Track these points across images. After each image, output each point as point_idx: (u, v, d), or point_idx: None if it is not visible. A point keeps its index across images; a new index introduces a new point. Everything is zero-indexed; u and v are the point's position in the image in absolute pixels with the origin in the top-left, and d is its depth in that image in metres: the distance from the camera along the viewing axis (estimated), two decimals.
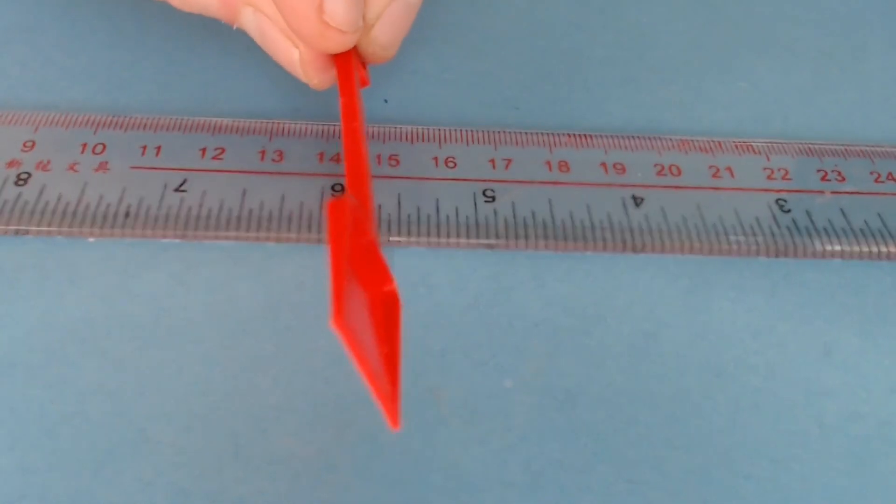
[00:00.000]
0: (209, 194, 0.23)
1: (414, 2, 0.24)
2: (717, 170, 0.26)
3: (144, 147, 0.25)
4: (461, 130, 0.26)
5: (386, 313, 0.18)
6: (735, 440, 0.20)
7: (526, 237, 0.23)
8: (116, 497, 0.18)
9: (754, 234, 0.24)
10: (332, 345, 0.21)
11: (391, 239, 0.23)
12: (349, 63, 0.24)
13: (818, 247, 0.24)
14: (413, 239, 0.23)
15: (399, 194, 0.24)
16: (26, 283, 0.22)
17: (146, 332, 0.21)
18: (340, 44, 0.23)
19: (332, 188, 0.24)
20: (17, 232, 0.23)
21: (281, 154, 0.25)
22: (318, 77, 0.24)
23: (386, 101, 0.28)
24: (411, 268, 0.23)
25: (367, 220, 0.19)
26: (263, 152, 0.25)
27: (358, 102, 0.23)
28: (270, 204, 0.23)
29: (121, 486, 0.18)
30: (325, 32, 0.22)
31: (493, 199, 0.24)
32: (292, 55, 0.24)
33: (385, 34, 0.24)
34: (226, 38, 0.29)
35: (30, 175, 0.24)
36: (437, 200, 0.24)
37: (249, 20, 0.24)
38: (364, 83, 0.25)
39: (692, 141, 0.27)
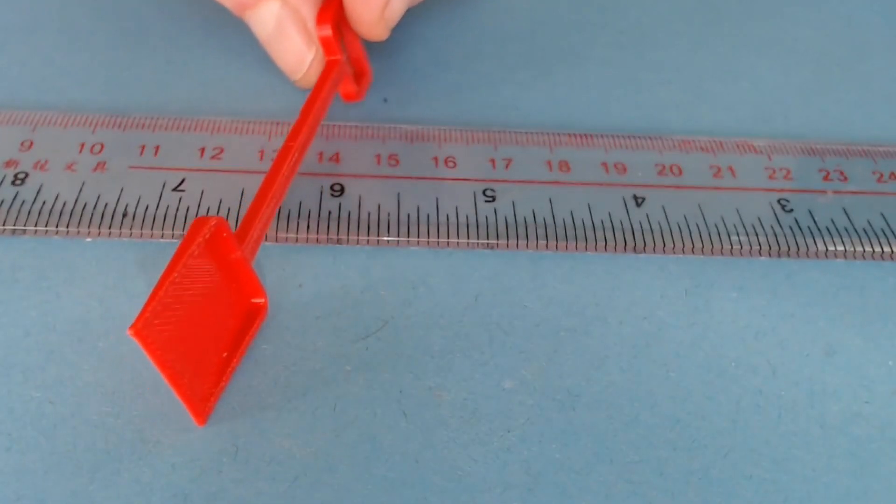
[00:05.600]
0: (208, 194, 0.23)
1: None
2: (719, 169, 0.25)
3: (143, 147, 0.25)
4: (461, 130, 0.26)
5: (246, 322, 0.20)
6: (736, 441, 0.20)
7: (526, 237, 0.23)
8: (115, 498, 0.18)
9: (756, 234, 0.24)
10: (332, 345, 0.21)
11: (391, 239, 0.23)
12: (330, 81, 0.25)
13: (820, 247, 0.24)
14: (413, 239, 0.23)
15: (399, 194, 0.24)
16: (24, 283, 0.22)
17: None
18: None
19: (332, 188, 0.24)
20: (14, 232, 0.22)
21: None
22: (315, 79, 0.25)
23: (386, 100, 0.28)
24: (411, 268, 0.23)
25: (246, 236, 0.20)
26: (262, 152, 0.25)
27: (312, 122, 0.24)
28: None
29: (119, 487, 0.18)
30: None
31: (493, 199, 0.24)
32: (305, 57, 0.25)
33: (394, 12, 0.25)
34: (225, 38, 0.29)
35: (27, 175, 0.23)
36: (437, 200, 0.24)
37: (271, 13, 0.25)
38: (355, 97, 0.27)
39: (693, 140, 0.27)
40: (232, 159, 0.24)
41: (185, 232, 0.19)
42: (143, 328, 0.17)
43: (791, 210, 0.24)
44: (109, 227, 0.22)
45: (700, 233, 0.24)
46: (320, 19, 0.25)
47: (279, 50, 0.26)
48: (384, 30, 0.25)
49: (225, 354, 0.20)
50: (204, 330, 0.19)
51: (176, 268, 0.18)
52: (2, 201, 0.23)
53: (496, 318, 0.22)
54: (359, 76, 0.27)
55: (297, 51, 0.25)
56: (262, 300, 0.20)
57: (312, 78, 0.25)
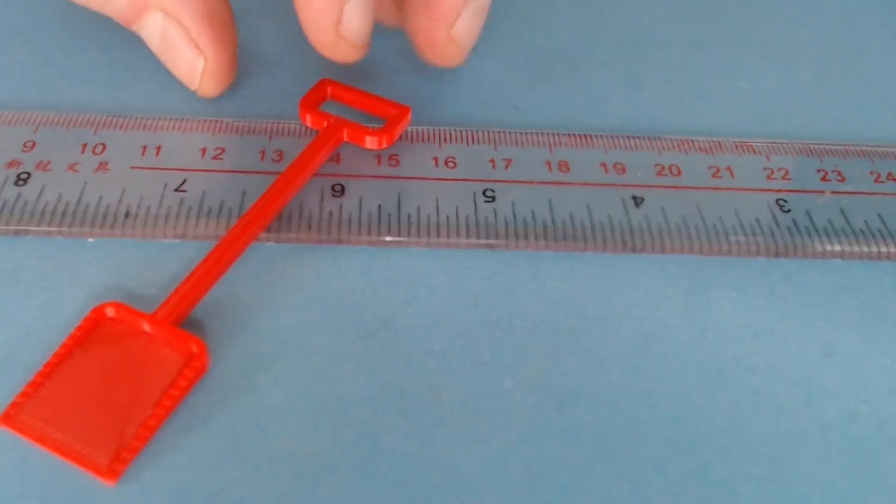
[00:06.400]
0: (209, 194, 0.23)
1: (485, 3, 0.25)
2: (718, 170, 0.26)
3: (144, 147, 0.25)
4: (461, 130, 0.26)
5: (181, 372, 0.20)
6: (735, 440, 0.20)
7: (526, 237, 0.23)
8: (115, 498, 0.18)
9: (754, 234, 0.24)
10: (332, 345, 0.21)
11: (391, 239, 0.23)
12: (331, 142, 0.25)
13: (818, 247, 0.24)
14: (413, 239, 0.23)
15: (399, 194, 0.24)
16: (26, 282, 0.22)
17: None
18: (350, 55, 0.24)
19: (332, 188, 0.24)
20: (16, 232, 0.22)
21: (281, 154, 0.25)
22: (214, 86, 0.26)
23: None
24: (411, 268, 0.23)
25: (168, 305, 0.21)
26: (263, 152, 0.25)
27: (308, 169, 0.24)
28: None
29: (119, 486, 0.18)
30: (339, 43, 0.24)
31: (493, 199, 0.24)
32: (196, 65, 0.25)
33: (464, 34, 0.25)
34: None
35: (30, 175, 0.24)
36: (437, 200, 0.24)
37: (155, 26, 0.25)
38: (368, 143, 0.25)
39: (692, 141, 0.27)
40: (233, 160, 0.25)
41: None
42: (8, 418, 0.19)
43: (789, 210, 0.25)
44: (111, 228, 0.23)
45: (699, 233, 0.24)
46: (302, 106, 0.25)
47: (169, 61, 0.26)
48: (456, 52, 0.25)
49: (150, 411, 0.19)
50: (110, 398, 0.19)
51: (51, 367, 0.20)
52: (4, 202, 0.23)
53: (496, 318, 0.22)
54: (391, 126, 0.25)
55: (186, 61, 0.25)
56: (197, 350, 0.20)
57: (211, 86, 0.26)
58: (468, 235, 0.23)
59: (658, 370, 0.21)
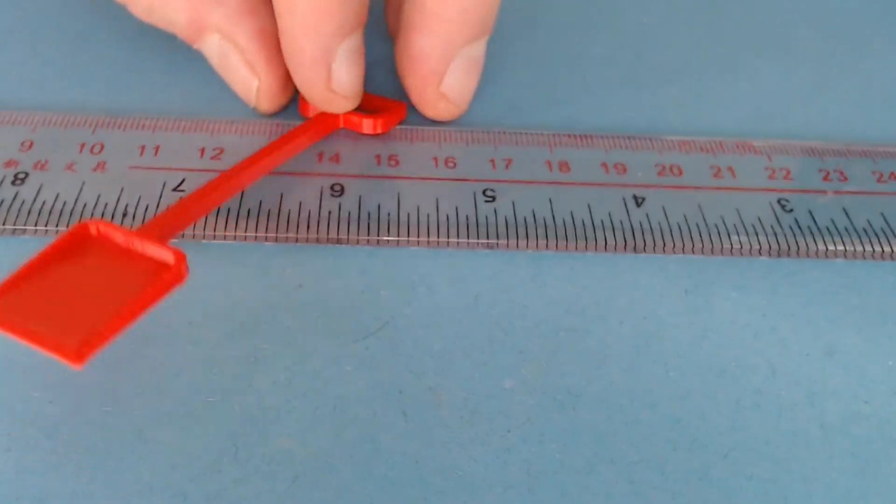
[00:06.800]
0: None
1: (475, 54, 0.26)
2: (719, 169, 0.26)
3: (143, 147, 0.25)
4: (461, 130, 0.26)
5: (158, 276, 0.20)
6: (736, 440, 0.20)
7: (526, 237, 0.23)
8: (115, 498, 0.18)
9: (756, 234, 0.24)
10: (332, 345, 0.21)
11: (391, 239, 0.23)
12: (323, 123, 0.25)
13: (820, 247, 0.24)
14: (413, 239, 0.23)
15: (399, 194, 0.24)
16: None
17: (145, 332, 0.21)
18: (344, 106, 0.25)
19: (332, 188, 0.24)
20: (14, 231, 0.22)
21: None
22: (269, 104, 0.26)
23: None
24: (411, 268, 0.23)
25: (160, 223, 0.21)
26: None
27: (285, 152, 0.24)
28: (269, 204, 0.23)
29: (119, 487, 0.18)
30: (331, 97, 0.25)
31: (493, 199, 0.24)
32: (251, 85, 0.26)
33: (452, 90, 0.26)
34: None
35: (27, 175, 0.23)
36: (437, 200, 0.24)
37: (213, 46, 0.26)
38: (364, 128, 0.26)
39: (693, 141, 0.27)
40: (232, 160, 0.24)
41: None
42: None
43: (791, 210, 0.24)
44: None
45: (700, 233, 0.24)
46: (302, 98, 0.26)
47: (228, 79, 0.26)
48: (450, 108, 0.26)
49: (123, 308, 0.19)
50: (84, 298, 0.19)
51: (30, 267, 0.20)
52: (2, 201, 0.23)
53: (496, 318, 0.22)
54: (387, 114, 0.26)
55: (242, 80, 0.26)
56: (175, 259, 0.20)
57: (266, 104, 0.26)
58: (468, 235, 0.23)
59: (659, 370, 0.21)
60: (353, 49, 0.24)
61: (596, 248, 0.23)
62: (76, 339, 0.18)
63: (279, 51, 0.25)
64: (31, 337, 0.18)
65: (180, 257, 0.20)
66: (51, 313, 0.19)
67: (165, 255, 0.20)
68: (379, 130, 0.26)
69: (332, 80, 0.24)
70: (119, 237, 0.20)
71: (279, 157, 0.24)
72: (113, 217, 0.23)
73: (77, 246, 0.20)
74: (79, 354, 0.18)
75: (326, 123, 0.25)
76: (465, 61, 0.25)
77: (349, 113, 0.26)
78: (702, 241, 0.23)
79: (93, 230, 0.20)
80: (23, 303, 0.19)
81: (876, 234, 0.24)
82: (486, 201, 0.24)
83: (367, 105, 0.26)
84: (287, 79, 0.26)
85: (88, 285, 0.20)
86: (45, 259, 0.20)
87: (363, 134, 0.26)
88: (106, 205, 0.23)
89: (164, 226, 0.21)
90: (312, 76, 0.24)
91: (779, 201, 0.25)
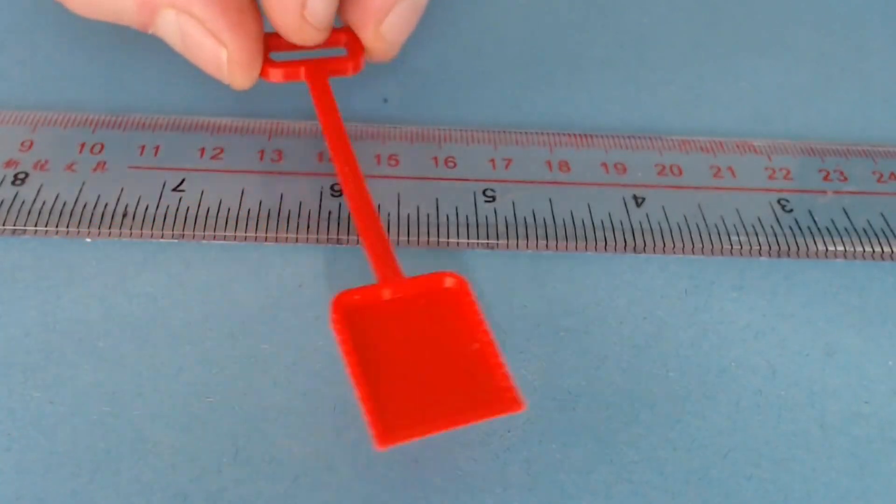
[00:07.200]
0: (208, 194, 0.23)
1: (420, 2, 0.24)
2: (719, 169, 0.25)
3: (143, 147, 0.25)
4: (461, 130, 0.26)
5: (462, 303, 0.20)
6: (736, 441, 0.20)
7: (526, 237, 0.23)
8: (114, 498, 0.18)
9: (756, 234, 0.24)
10: (332, 345, 0.21)
11: (391, 239, 0.23)
12: (324, 83, 0.24)
13: (820, 247, 0.24)
14: (413, 239, 0.23)
15: (399, 194, 0.24)
16: (23, 283, 0.22)
17: (144, 333, 0.21)
18: (314, 39, 0.24)
19: (332, 188, 0.24)
20: (14, 232, 0.22)
21: (280, 154, 0.25)
22: (243, 76, 0.24)
23: (386, 100, 0.28)
24: (411, 268, 0.23)
25: (384, 264, 0.20)
26: (262, 152, 0.25)
27: (340, 121, 0.23)
28: (269, 204, 0.23)
29: (119, 487, 0.18)
30: (303, 27, 0.23)
31: (493, 199, 0.24)
32: (220, 55, 0.23)
33: (392, 31, 0.24)
34: None
35: (27, 175, 0.23)
36: (437, 200, 0.24)
37: (170, 23, 0.23)
38: (349, 70, 0.25)
39: (693, 141, 0.27)
40: (232, 159, 0.24)
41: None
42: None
43: (791, 210, 0.24)
44: (109, 228, 0.22)
45: (700, 233, 0.24)
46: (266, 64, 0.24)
47: (195, 58, 0.24)
48: (383, 49, 0.25)
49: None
50: (437, 360, 0.19)
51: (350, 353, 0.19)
52: (2, 201, 0.23)
53: (496, 318, 0.22)
54: (353, 52, 0.25)
55: (209, 53, 0.23)
56: (455, 281, 0.20)
57: (240, 76, 0.24)
58: (468, 235, 0.23)
59: (659, 370, 0.21)
60: None
61: (596, 248, 0.23)
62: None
63: (242, 12, 0.23)
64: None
65: (457, 277, 0.20)
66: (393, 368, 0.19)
67: (440, 282, 0.20)
68: (356, 71, 0.25)
69: (308, 6, 0.23)
70: (378, 296, 0.20)
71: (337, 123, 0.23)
72: (113, 217, 0.23)
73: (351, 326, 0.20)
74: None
75: (324, 85, 0.24)
76: (412, 4, 0.24)
77: (326, 62, 0.24)
78: (702, 241, 0.23)
79: (348, 300, 0.20)
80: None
81: (876, 235, 0.24)
82: (486, 201, 0.24)
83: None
84: (257, 42, 0.24)
85: (423, 346, 0.19)
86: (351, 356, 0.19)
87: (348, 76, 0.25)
88: (106, 205, 0.23)
89: (385, 254, 0.21)
90: (288, 0, 0.23)
91: (779, 201, 0.25)
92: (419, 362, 0.19)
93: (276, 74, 0.24)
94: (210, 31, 0.23)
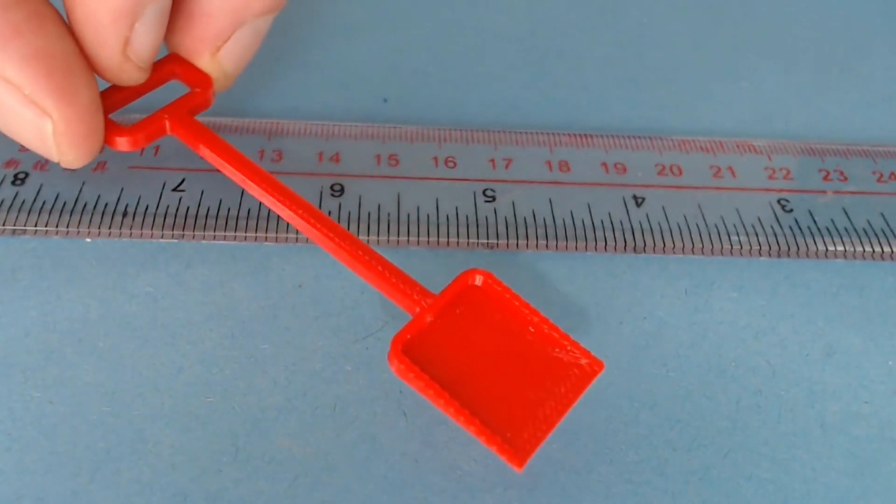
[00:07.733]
0: (207, 194, 0.23)
1: (261, 28, 0.22)
2: (719, 169, 0.25)
3: None
4: (461, 130, 0.26)
5: (489, 303, 0.20)
6: (736, 441, 0.20)
7: (526, 237, 0.23)
8: (114, 498, 0.18)
9: (756, 234, 0.24)
10: (332, 345, 0.21)
11: (391, 239, 0.23)
12: (201, 128, 0.22)
13: (820, 247, 0.24)
14: (413, 239, 0.23)
15: (399, 194, 0.24)
16: (23, 283, 0.22)
17: (144, 333, 0.21)
18: (135, 79, 0.21)
19: (332, 188, 0.24)
20: (14, 232, 0.22)
21: (280, 154, 0.25)
22: (77, 151, 0.20)
23: (386, 100, 0.28)
24: (411, 268, 0.23)
25: (409, 297, 0.20)
26: (262, 152, 0.25)
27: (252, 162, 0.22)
28: None
29: (119, 487, 0.18)
30: (124, 65, 0.20)
31: (493, 199, 0.24)
32: (43, 128, 0.19)
33: (230, 60, 0.23)
34: None
35: (27, 174, 0.23)
36: (437, 200, 0.24)
37: None
38: (209, 102, 0.23)
39: (693, 141, 0.26)
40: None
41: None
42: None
43: (791, 210, 0.24)
44: (109, 227, 0.22)
45: (700, 233, 0.24)
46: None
47: (10, 128, 0.20)
48: (222, 80, 0.23)
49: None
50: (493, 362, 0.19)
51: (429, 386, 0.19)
52: (2, 201, 0.23)
53: None
54: (201, 88, 0.23)
55: (29, 125, 0.19)
56: (471, 281, 0.20)
57: (71, 151, 0.20)
58: (468, 235, 0.23)
59: (659, 370, 0.21)
60: (163, 11, 0.20)
61: (596, 248, 0.23)
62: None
63: (71, 73, 0.19)
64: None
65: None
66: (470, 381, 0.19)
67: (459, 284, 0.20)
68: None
69: (131, 42, 0.20)
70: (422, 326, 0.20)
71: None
72: (113, 217, 0.23)
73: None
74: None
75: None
76: (252, 31, 0.22)
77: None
78: (702, 241, 0.23)
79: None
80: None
81: (876, 235, 0.24)
82: (486, 201, 0.24)
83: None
84: (91, 108, 0.20)
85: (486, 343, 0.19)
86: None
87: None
88: (106, 205, 0.23)
89: (405, 283, 0.20)
90: (110, 36, 0.19)
91: (779, 201, 0.25)
92: (493, 368, 0.19)
93: (129, 141, 0.21)
94: (28, 99, 0.19)
